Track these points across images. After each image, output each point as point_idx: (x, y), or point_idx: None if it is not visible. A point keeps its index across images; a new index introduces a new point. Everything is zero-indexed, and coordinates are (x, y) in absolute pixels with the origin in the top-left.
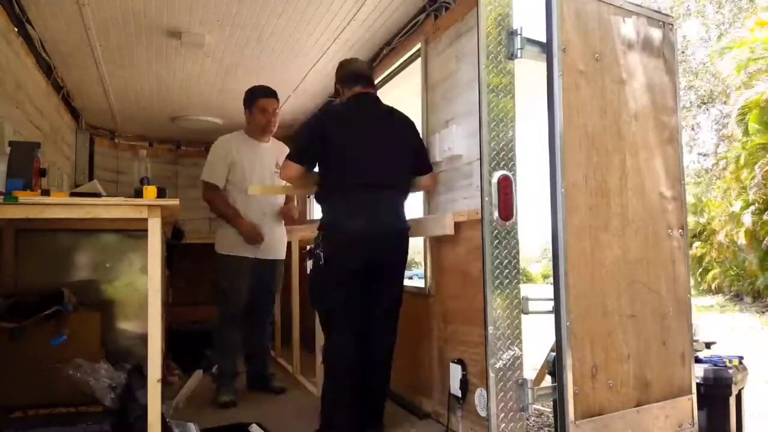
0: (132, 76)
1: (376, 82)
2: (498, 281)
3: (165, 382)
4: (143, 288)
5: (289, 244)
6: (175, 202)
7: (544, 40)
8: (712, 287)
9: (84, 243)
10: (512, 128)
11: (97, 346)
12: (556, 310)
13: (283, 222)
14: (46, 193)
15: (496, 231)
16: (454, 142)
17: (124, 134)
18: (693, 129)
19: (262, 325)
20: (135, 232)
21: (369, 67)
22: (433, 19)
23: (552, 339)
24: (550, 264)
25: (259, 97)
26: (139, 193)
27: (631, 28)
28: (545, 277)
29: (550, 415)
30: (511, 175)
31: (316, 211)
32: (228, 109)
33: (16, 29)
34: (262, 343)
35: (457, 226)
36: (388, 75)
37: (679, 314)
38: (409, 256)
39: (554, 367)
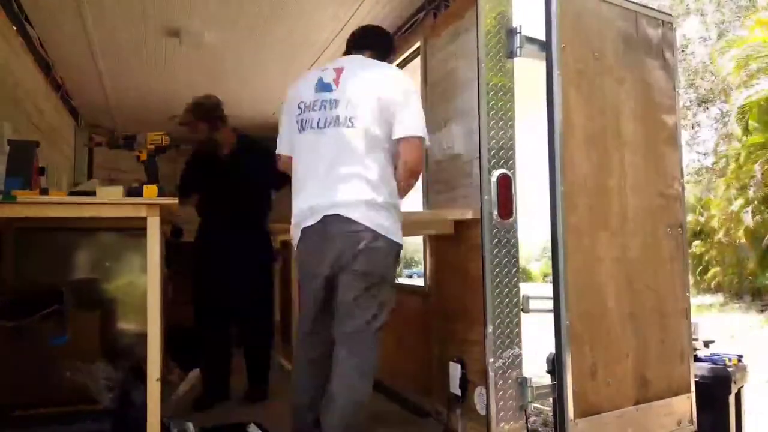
0: (131, 75)
1: None
2: (497, 280)
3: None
4: (142, 287)
5: (287, 243)
6: (174, 200)
7: (543, 38)
8: (712, 286)
9: (83, 242)
10: (512, 127)
11: (95, 345)
12: (556, 309)
13: None
14: (44, 191)
15: (496, 230)
16: (454, 141)
17: (124, 133)
18: (693, 128)
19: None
20: (134, 230)
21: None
22: (433, 17)
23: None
24: (550, 263)
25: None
26: (138, 192)
27: (630, 26)
28: (545, 275)
29: (550, 414)
30: (510, 174)
31: None
32: (227, 108)
33: (14, 28)
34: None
35: (457, 224)
36: None
37: (678, 313)
38: (408, 254)
39: (553, 366)
